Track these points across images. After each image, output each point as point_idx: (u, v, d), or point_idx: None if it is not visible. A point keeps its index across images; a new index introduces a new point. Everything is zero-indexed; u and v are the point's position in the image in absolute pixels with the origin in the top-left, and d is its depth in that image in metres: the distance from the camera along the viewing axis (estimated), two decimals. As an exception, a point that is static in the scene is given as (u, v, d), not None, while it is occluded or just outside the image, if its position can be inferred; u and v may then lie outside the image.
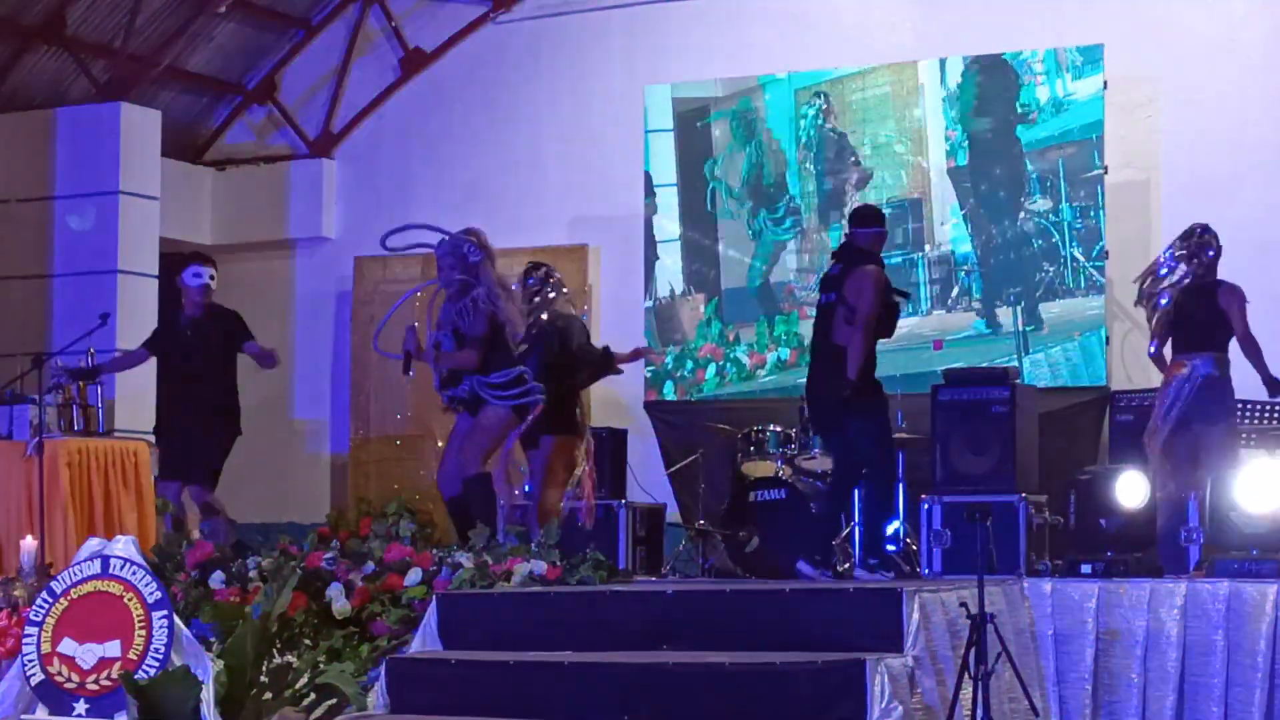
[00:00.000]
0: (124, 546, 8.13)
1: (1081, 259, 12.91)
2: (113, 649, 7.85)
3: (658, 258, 13.99)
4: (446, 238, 10.93)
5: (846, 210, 12.29)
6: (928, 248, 13.37)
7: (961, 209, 13.28)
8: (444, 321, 10.91)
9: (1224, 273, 11.98)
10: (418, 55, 15.36)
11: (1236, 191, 12.87)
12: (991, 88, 13.25)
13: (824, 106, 13.68)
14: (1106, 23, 13.10)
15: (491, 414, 10.76)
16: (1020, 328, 13.03)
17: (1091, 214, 12.91)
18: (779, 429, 11.96)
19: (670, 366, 13.91)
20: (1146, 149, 13.10)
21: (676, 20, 14.44)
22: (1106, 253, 12.81)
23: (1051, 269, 13.02)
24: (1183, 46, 13.08)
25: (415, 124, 15.41)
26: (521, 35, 15.02)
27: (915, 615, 8.38)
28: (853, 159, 13.62)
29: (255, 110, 15.95)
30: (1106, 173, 12.78)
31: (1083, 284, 12.92)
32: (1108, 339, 12.76)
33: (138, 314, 14.07)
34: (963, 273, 13.21)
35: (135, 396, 13.82)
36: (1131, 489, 10.56)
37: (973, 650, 8.25)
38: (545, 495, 11.32)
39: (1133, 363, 12.92)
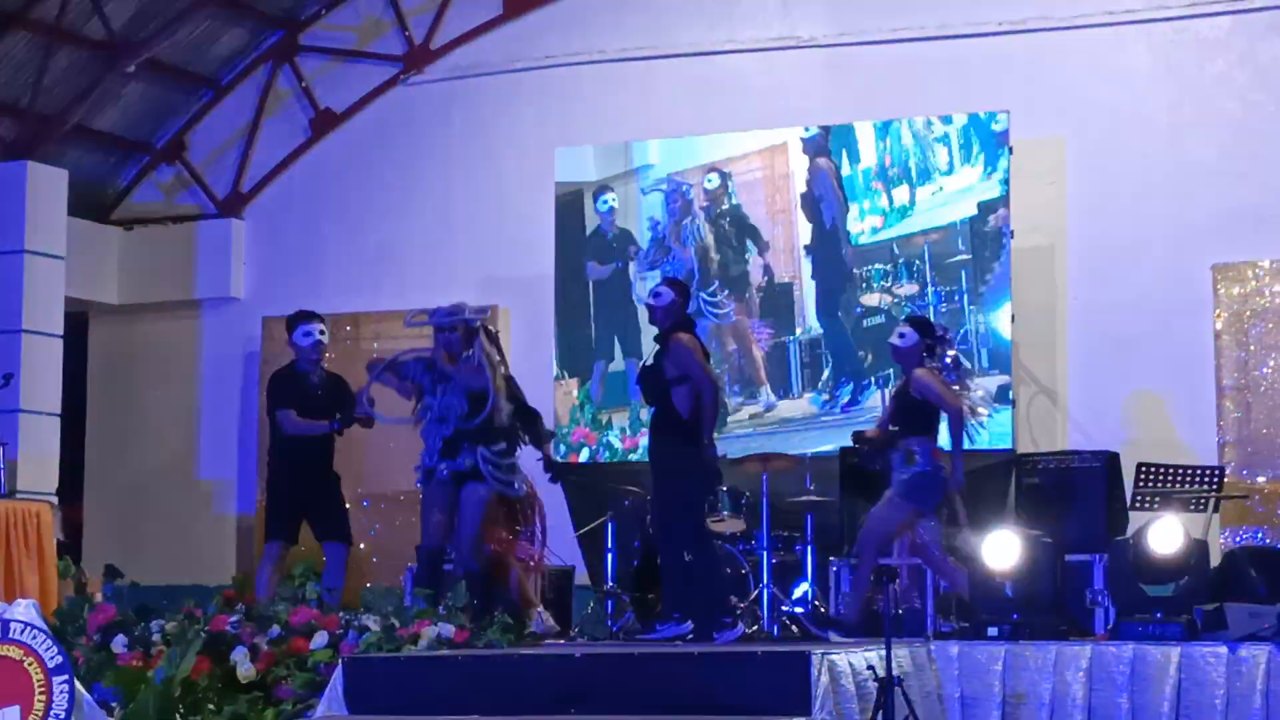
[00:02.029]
0: (24, 610, 8.02)
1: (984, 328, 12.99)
2: (12, 715, 7.74)
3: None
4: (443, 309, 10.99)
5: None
6: (798, 331, 13.44)
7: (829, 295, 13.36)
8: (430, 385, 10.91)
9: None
10: (328, 116, 15.35)
11: (1141, 258, 13.02)
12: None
13: (713, 187, 13.70)
14: (1012, 89, 13.25)
15: (487, 492, 10.84)
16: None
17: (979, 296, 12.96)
18: (688, 491, 11.95)
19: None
20: (1051, 215, 13.23)
21: (588, 82, 14.50)
22: (1013, 316, 12.88)
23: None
24: (1088, 113, 13.24)
25: (325, 184, 15.38)
26: (432, 97, 15.04)
27: (823, 678, 8.39)
28: (731, 244, 13.68)
29: (164, 169, 15.88)
30: (1012, 237, 12.89)
31: (985, 362, 12.94)
32: (1014, 403, 12.85)
33: (42, 374, 13.95)
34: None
35: (37, 458, 13.69)
36: (1005, 550, 10.48)
37: (880, 713, 8.28)
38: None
39: (1039, 427, 13.03)
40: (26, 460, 13.49)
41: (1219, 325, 12.71)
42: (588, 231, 14.02)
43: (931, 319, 11.64)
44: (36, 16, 14.04)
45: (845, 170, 13.32)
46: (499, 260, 14.45)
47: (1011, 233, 12.86)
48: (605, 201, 13.95)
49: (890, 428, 10.64)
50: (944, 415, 10.60)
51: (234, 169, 15.59)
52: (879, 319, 13.14)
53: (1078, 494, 11.33)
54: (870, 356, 13.15)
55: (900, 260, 13.14)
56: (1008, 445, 12.71)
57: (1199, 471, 11.49)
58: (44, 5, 13.97)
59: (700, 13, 14.28)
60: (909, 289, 13.09)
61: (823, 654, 8.50)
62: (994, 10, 13.49)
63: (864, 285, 13.26)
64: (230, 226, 15.53)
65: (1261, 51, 12.98)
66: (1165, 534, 10.06)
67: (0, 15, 13.99)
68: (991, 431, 12.79)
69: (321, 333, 11.88)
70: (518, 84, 14.73)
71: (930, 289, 13.03)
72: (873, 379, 13.11)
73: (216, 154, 15.71)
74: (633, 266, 13.83)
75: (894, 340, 10.81)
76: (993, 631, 9.97)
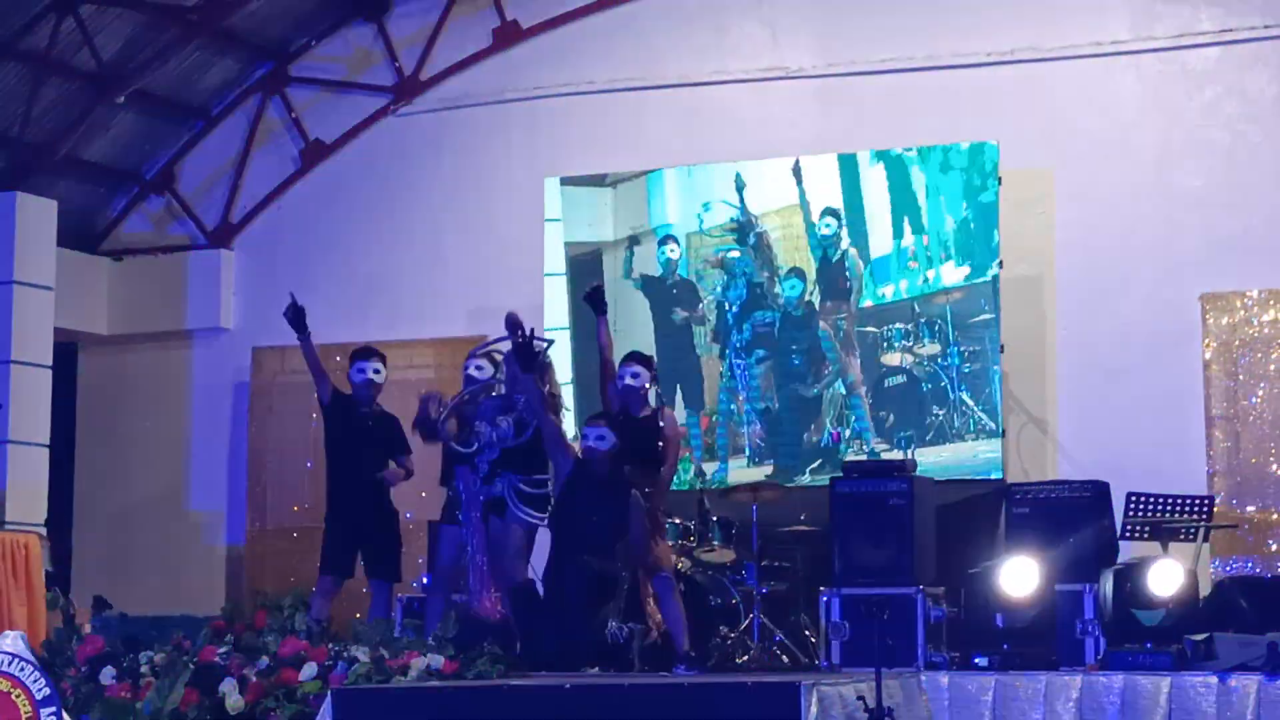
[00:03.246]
0: (12, 642, 8.01)
1: (971, 404, 12.97)
2: (0, 747, 7.72)
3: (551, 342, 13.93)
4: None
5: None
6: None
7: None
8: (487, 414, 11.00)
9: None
10: (318, 147, 15.36)
11: (1129, 287, 13.04)
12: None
13: (731, 251, 13.67)
14: (1000, 119, 13.27)
15: (518, 527, 10.87)
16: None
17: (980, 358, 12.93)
18: (678, 521, 11.96)
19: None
20: (1040, 244, 13.25)
21: (576, 113, 14.52)
22: (1002, 346, 12.87)
23: (941, 413, 13.02)
24: (1076, 144, 13.27)
25: (315, 215, 15.38)
26: (422, 127, 15.05)
27: (813, 709, 8.38)
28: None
29: (153, 200, 15.87)
30: (1002, 267, 12.89)
31: (972, 428, 12.92)
32: (1003, 432, 12.85)
33: (31, 405, 13.92)
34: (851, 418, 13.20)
35: (26, 489, 13.66)
36: (1019, 578, 10.50)
37: (870, 744, 8.27)
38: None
39: (1029, 456, 13.03)
40: (15, 491, 13.47)
41: (1208, 355, 12.72)
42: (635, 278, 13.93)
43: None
44: (26, 47, 14.05)
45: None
46: (489, 290, 14.45)
47: (1000, 263, 12.87)
48: (664, 253, 13.85)
49: None
50: None
51: (224, 199, 15.59)
52: (901, 378, 13.10)
53: (1067, 523, 11.33)
54: (892, 417, 13.11)
55: (921, 319, 13.10)
56: (998, 475, 12.71)
57: (1189, 501, 11.50)
58: (34, 35, 13.98)
59: (689, 44, 14.30)
60: (931, 349, 13.06)
61: (812, 684, 8.49)
62: (982, 41, 13.53)
63: (885, 345, 13.20)
64: (220, 257, 15.53)
65: (1249, 82, 13.01)
66: (1165, 575, 10.07)
67: (-10, 46, 14.02)
68: (982, 461, 12.83)
69: (376, 372, 11.69)
70: (507, 114, 14.75)
71: (954, 348, 12.99)
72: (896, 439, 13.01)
73: (206, 184, 15.71)
74: (707, 325, 13.66)
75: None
76: (982, 661, 9.97)
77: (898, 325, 13.14)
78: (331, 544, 11.66)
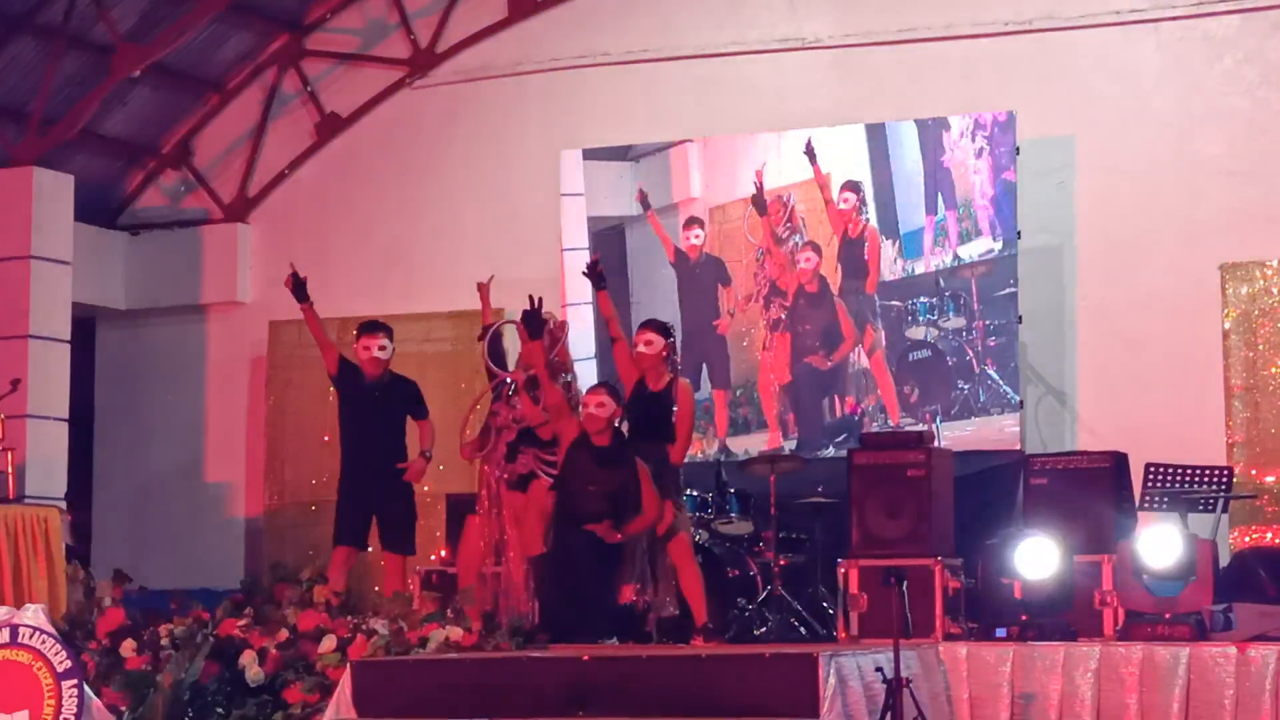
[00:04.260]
0: (33, 615, 8.05)
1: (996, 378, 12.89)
2: (21, 719, 7.75)
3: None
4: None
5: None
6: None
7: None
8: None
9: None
10: (334, 120, 15.34)
11: (1149, 257, 12.99)
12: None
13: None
14: (1019, 88, 13.22)
15: (540, 490, 10.96)
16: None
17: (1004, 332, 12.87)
18: (695, 493, 11.95)
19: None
20: (1059, 214, 13.20)
21: (592, 85, 14.49)
22: (1020, 317, 12.84)
23: (966, 387, 12.95)
24: (1095, 112, 13.22)
25: (331, 188, 15.38)
26: (438, 100, 15.03)
27: (831, 680, 8.39)
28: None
29: (169, 174, 15.87)
30: (1020, 237, 12.85)
31: (997, 403, 12.81)
32: (1021, 404, 12.82)
33: (49, 379, 13.94)
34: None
35: (46, 463, 13.69)
36: (1037, 556, 10.44)
37: (889, 715, 8.28)
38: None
39: (1047, 427, 13.00)
40: (35, 465, 13.49)
41: (1228, 324, 12.67)
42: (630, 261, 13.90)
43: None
44: (42, 21, 14.05)
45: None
46: (506, 262, 14.41)
47: (1019, 233, 12.83)
48: (689, 238, 13.81)
49: None
50: None
51: (240, 173, 15.59)
52: (925, 353, 13.05)
53: (1086, 495, 11.28)
54: (916, 392, 13.04)
55: (947, 293, 13.04)
56: (1016, 446, 12.68)
57: (1208, 472, 11.47)
58: (49, 10, 13.98)
59: (706, 14, 14.26)
60: (956, 322, 13.02)
61: (831, 655, 8.49)
62: (1001, 10, 13.46)
63: (909, 319, 13.14)
64: (236, 231, 15.54)
65: (1270, 49, 12.94)
66: (1161, 543, 10.06)
67: (6, 20, 14.00)
68: (1008, 434, 12.76)
69: (381, 349, 11.67)
70: (523, 86, 14.72)
71: (981, 322, 12.90)
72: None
73: (222, 158, 15.71)
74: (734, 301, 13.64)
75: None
76: (1000, 633, 9.95)
77: (922, 299, 13.09)
78: (343, 514, 11.68)
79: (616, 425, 10.71)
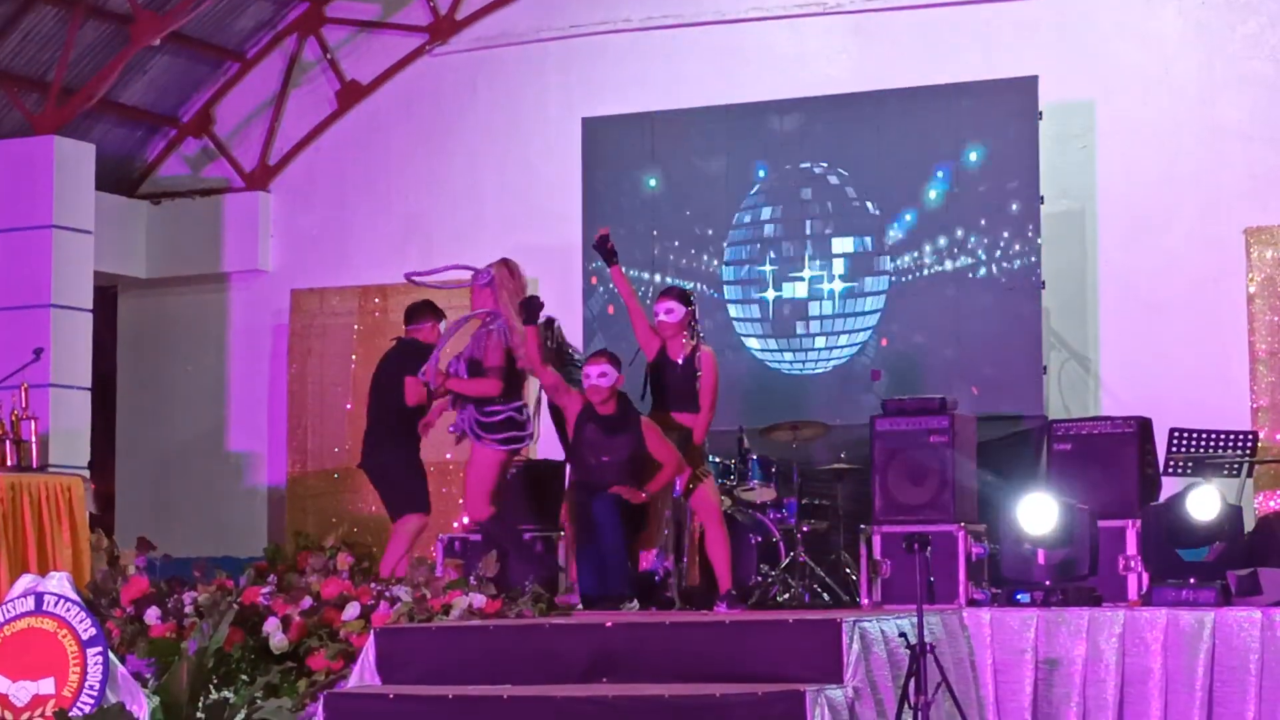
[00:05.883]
0: (58, 583, 8.07)
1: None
2: (47, 686, 7.79)
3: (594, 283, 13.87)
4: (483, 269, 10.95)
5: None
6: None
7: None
8: (464, 351, 10.96)
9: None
10: (354, 87, 15.33)
11: (1172, 221, 12.95)
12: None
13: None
14: (1040, 52, 13.17)
15: (480, 453, 10.80)
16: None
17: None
18: (718, 459, 11.94)
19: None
20: (1081, 179, 13.16)
21: (613, 52, 14.45)
22: (1044, 282, 12.80)
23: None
24: (1117, 77, 13.17)
25: (352, 156, 15.37)
26: (458, 67, 15.01)
27: (855, 646, 8.38)
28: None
29: (190, 143, 15.87)
30: (1043, 203, 12.80)
31: None
32: (1045, 369, 12.79)
33: (72, 348, 13.97)
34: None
35: (69, 432, 13.72)
36: (1036, 512, 10.37)
37: (912, 680, 8.27)
38: None
39: (1070, 392, 12.97)
40: (58, 434, 13.52)
41: (1252, 289, 12.63)
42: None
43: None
44: (62, -10, 14.06)
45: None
46: (527, 230, 14.42)
47: (1042, 198, 12.78)
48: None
49: None
50: None
51: (260, 142, 15.59)
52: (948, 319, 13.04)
53: (1110, 460, 11.24)
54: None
55: (970, 258, 12.98)
56: (1039, 411, 12.65)
57: (1232, 436, 11.43)
58: (69, -21, 13.99)
59: (726, -20, 14.23)
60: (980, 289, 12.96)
61: (854, 621, 8.49)
62: (1022, -27, 13.42)
63: (932, 280, 13.08)
64: (258, 199, 15.54)
65: (1293, 13, 12.89)
66: (1203, 501, 10.00)
67: (26, -11, 14.01)
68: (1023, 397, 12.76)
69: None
70: (543, 53, 14.69)
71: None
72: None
73: (243, 127, 15.71)
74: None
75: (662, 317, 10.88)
76: (1024, 598, 9.94)
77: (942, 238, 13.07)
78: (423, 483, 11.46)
79: (621, 390, 10.74)
